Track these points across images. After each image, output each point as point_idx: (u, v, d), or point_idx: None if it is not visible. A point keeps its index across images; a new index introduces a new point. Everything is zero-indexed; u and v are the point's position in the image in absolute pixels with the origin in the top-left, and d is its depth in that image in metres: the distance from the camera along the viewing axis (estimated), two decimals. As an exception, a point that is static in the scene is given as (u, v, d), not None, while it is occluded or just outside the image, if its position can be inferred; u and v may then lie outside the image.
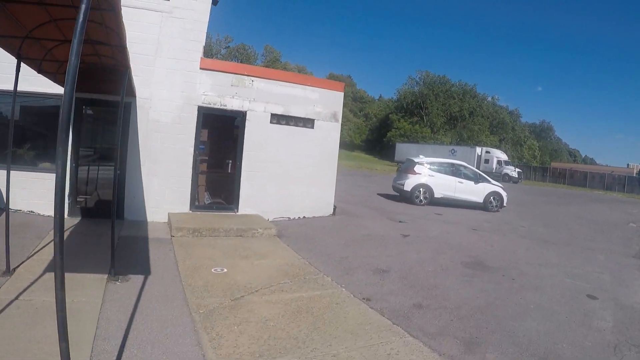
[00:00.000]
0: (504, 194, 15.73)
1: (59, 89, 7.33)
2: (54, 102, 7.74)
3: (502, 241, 9.98)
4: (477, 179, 15.72)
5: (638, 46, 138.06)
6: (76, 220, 7.62)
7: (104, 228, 7.19)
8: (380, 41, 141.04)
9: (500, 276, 6.78)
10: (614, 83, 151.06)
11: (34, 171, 7.74)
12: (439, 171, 15.43)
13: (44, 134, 8.22)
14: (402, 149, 51.30)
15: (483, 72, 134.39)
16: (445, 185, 15.17)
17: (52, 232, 6.63)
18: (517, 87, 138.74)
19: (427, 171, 15.23)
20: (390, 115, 72.09)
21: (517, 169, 44.36)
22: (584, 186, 49.08)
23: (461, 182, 15.35)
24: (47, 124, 8.15)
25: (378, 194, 17.84)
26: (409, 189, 15.06)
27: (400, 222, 11.24)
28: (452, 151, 46.22)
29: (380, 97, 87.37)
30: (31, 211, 7.65)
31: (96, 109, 8.70)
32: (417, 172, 15.18)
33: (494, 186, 15.83)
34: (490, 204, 15.48)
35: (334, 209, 11.02)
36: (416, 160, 15.72)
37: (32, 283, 4.59)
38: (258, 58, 73.03)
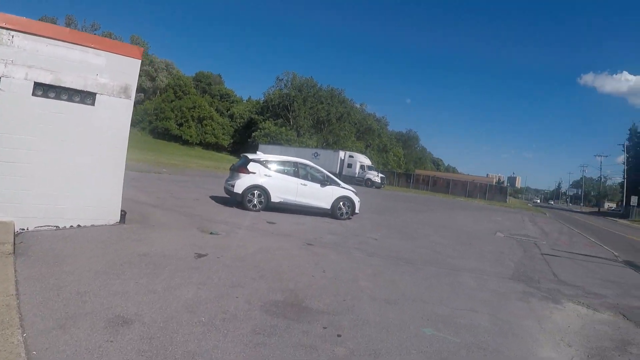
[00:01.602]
0: (356, 199, 13.83)
1: None
2: None
3: (341, 262, 7.59)
4: (324, 181, 13.50)
5: (494, 64, 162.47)
6: None
7: None
8: (254, 43, 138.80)
9: (319, 329, 4.32)
10: (477, 99, 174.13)
11: None
12: (279, 171, 12.93)
13: None
14: (265, 151, 49.20)
15: (354, 81, 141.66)
16: (285, 188, 12.73)
17: None
18: (386, 98, 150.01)
19: (264, 170, 12.62)
20: (253, 116, 69.78)
21: (381, 175, 45.39)
22: (447, 193, 52.36)
23: (304, 185, 13.03)
24: None
25: (211, 196, 14.81)
26: (239, 191, 12.27)
27: (211, 234, 8.52)
28: (315, 154, 45.72)
29: (249, 98, 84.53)
30: None
31: None
32: (250, 171, 12.47)
33: (345, 190, 13.81)
34: (339, 211, 13.46)
35: (123, 216, 7.92)
36: (251, 157, 13.01)
37: None
38: (125, 48, 65.75)
